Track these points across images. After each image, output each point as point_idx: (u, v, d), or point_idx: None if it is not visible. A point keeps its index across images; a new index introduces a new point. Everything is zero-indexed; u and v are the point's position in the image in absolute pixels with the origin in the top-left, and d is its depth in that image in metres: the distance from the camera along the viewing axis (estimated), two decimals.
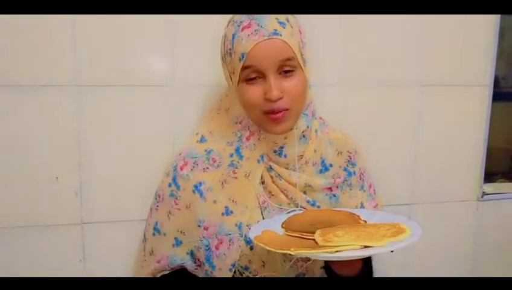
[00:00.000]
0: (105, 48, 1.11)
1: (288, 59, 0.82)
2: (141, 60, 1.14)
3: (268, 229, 0.79)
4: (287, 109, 0.85)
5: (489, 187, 1.46)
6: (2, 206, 1.12)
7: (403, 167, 1.36)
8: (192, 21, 1.13)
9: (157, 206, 0.98)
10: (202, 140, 0.97)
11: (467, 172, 1.41)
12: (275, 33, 0.81)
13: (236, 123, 0.93)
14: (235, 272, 0.91)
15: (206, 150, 0.96)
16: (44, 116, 1.11)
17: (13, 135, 1.10)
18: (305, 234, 0.77)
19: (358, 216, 0.84)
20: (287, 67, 0.83)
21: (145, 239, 1.01)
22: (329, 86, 1.23)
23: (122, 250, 1.19)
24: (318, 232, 0.75)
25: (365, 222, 0.82)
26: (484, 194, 1.43)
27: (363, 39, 1.26)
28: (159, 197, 0.97)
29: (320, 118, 0.99)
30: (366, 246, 0.69)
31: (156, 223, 0.97)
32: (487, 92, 1.38)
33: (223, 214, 0.91)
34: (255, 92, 0.84)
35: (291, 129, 0.90)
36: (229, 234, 0.90)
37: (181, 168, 0.95)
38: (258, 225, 0.83)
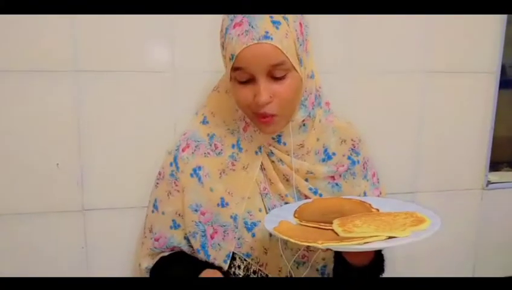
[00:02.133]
0: (105, 34, 1.10)
1: (279, 64, 0.78)
2: (141, 46, 1.12)
3: (282, 219, 0.77)
4: (275, 115, 0.82)
5: (495, 176, 1.45)
6: (3, 194, 1.11)
7: (407, 155, 1.35)
8: None
9: (158, 183, 0.98)
10: (204, 121, 0.97)
11: (472, 160, 1.40)
12: (266, 36, 0.76)
13: (236, 110, 0.92)
14: (235, 258, 0.91)
15: (208, 134, 0.95)
16: (44, 102, 1.10)
17: (13, 121, 1.09)
18: (322, 224, 0.75)
19: (369, 204, 0.83)
20: (278, 72, 0.79)
21: (146, 216, 1.01)
22: (333, 73, 1.22)
23: (124, 237, 1.19)
24: (336, 222, 0.73)
25: (377, 210, 0.81)
26: (489, 183, 1.42)
27: (367, 25, 1.24)
28: (160, 174, 0.98)
29: (327, 103, 0.96)
30: (390, 237, 0.67)
31: (155, 200, 0.98)
32: (494, 80, 1.37)
33: (218, 205, 0.90)
34: (245, 93, 0.81)
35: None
36: (224, 225, 0.89)
37: (183, 150, 0.94)
38: (271, 215, 0.81)
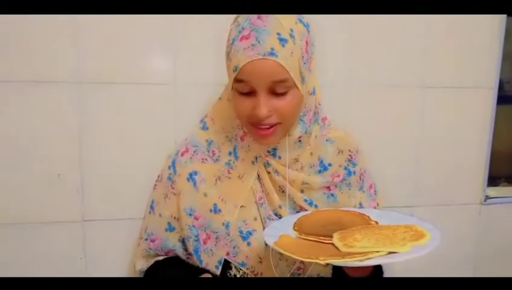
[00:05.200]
0: (107, 46, 1.11)
1: (282, 81, 0.79)
2: (143, 57, 1.13)
3: (282, 233, 0.77)
4: (276, 124, 0.83)
5: (493, 191, 1.46)
6: (3, 203, 1.12)
7: (405, 169, 1.35)
8: (194, 19, 1.12)
9: (156, 185, 0.99)
10: (204, 127, 0.98)
11: (470, 175, 1.41)
12: (271, 53, 0.77)
13: (235, 118, 0.93)
14: (231, 267, 0.91)
15: (207, 140, 0.96)
16: (46, 112, 1.10)
17: (15, 131, 1.10)
18: (321, 237, 0.75)
19: (368, 216, 0.83)
20: (280, 88, 0.80)
21: (144, 217, 1.02)
22: (332, 85, 1.23)
23: (124, 248, 1.18)
24: (336, 236, 0.73)
25: (376, 223, 0.81)
26: (487, 197, 1.43)
27: (366, 39, 1.25)
28: (159, 177, 0.99)
29: (323, 119, 0.97)
30: (390, 252, 0.68)
31: (152, 202, 0.99)
32: (491, 95, 1.38)
33: (211, 210, 0.91)
34: (245, 104, 0.83)
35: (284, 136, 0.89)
36: (216, 232, 0.90)
37: (182, 154, 0.95)
38: (271, 229, 0.81)
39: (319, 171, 0.95)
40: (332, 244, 0.72)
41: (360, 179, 0.98)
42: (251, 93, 0.82)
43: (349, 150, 0.97)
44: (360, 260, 0.66)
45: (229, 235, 0.89)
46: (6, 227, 1.13)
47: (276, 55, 0.77)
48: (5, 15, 1.03)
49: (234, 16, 0.86)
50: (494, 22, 1.33)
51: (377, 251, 0.67)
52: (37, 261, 1.15)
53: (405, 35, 1.28)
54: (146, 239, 0.99)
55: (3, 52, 1.07)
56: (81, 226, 1.16)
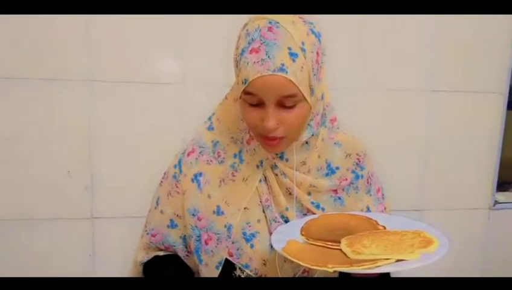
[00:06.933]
0: (118, 45, 1.12)
1: (291, 96, 0.79)
2: (153, 57, 1.14)
3: (290, 238, 0.77)
4: (282, 137, 0.83)
5: (502, 196, 1.45)
6: (14, 200, 1.13)
7: (413, 173, 1.35)
8: (203, 20, 1.13)
9: (162, 182, 1.00)
10: (210, 128, 0.98)
11: (479, 180, 1.40)
12: (281, 69, 0.76)
13: (241, 121, 0.93)
14: (235, 268, 0.92)
15: (212, 141, 0.96)
16: (56, 110, 1.12)
17: (25, 128, 1.11)
18: (329, 243, 0.74)
19: (375, 221, 0.83)
20: (288, 102, 0.80)
21: (149, 210, 1.03)
22: (340, 88, 1.22)
23: (132, 246, 1.18)
24: (344, 242, 0.73)
25: (384, 228, 0.80)
26: (496, 202, 1.42)
27: (375, 42, 1.25)
28: (165, 174, 0.99)
29: (331, 120, 0.97)
30: (399, 259, 0.67)
31: (158, 198, 0.99)
32: (502, 100, 1.37)
33: (214, 212, 0.91)
34: (253, 115, 0.82)
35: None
36: (218, 233, 0.91)
37: (188, 154, 0.96)
38: (278, 233, 0.81)
39: (327, 174, 0.94)
40: (340, 250, 0.72)
41: (368, 183, 0.97)
42: (259, 104, 0.81)
43: (357, 154, 0.97)
44: (370, 268, 0.65)
45: (230, 237, 0.90)
46: (16, 223, 1.14)
47: (287, 72, 0.77)
48: (19, 15, 1.04)
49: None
50: (505, 27, 1.32)
51: (386, 259, 0.66)
52: (46, 257, 1.17)
53: (415, 38, 1.27)
54: (148, 233, 1.00)
55: (15, 51, 1.08)
56: (90, 223, 1.17)
